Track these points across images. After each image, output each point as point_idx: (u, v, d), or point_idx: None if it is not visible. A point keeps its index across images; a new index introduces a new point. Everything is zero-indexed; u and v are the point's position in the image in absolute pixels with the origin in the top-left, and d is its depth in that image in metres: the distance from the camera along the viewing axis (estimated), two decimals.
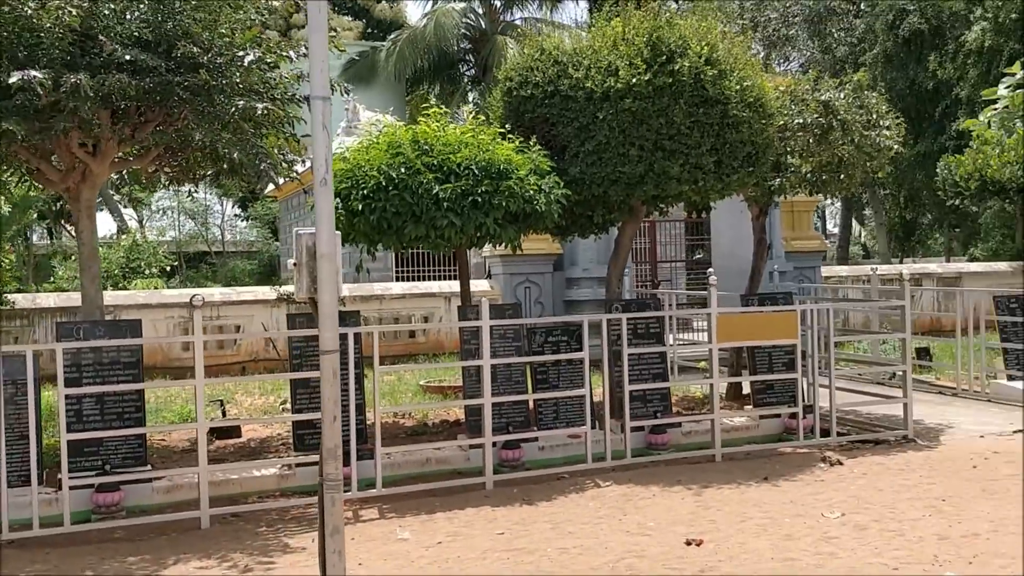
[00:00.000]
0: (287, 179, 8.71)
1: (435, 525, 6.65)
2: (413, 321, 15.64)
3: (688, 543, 6.03)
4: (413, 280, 18.45)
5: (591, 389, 8.28)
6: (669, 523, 6.54)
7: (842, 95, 10.13)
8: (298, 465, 7.61)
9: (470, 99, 30.68)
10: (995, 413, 10.36)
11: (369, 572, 5.58)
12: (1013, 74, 14.55)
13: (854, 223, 38.41)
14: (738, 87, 8.54)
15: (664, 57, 8.36)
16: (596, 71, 8.46)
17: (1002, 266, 21.22)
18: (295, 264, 3.55)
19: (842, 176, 10.25)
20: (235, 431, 9.18)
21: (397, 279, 18.37)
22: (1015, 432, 9.32)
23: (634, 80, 8.24)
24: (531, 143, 8.47)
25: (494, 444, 7.84)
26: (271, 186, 17.72)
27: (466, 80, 31.78)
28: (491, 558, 5.86)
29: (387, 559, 5.89)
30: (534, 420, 8.48)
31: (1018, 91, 14.13)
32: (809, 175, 10.20)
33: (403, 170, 7.68)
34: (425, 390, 11.80)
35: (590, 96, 8.45)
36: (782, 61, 30.88)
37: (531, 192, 7.94)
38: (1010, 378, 11.43)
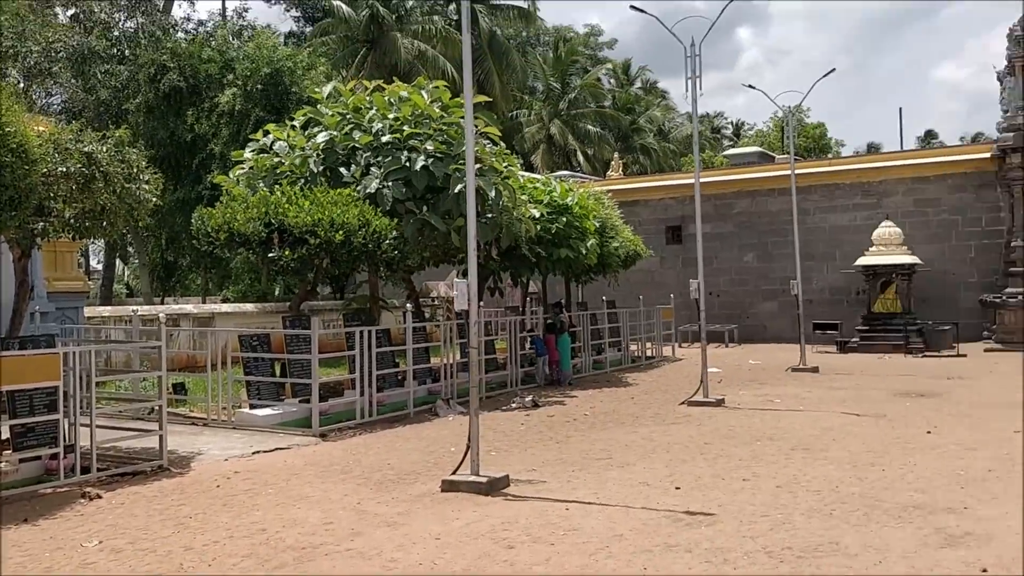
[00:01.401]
0: None
1: None
2: None
3: None
4: None
5: None
6: None
7: (104, 148, 10.70)
8: None
9: None
10: (238, 438, 11.93)
11: None
12: (257, 139, 16.47)
13: (118, 262, 38.58)
14: (1, 132, 8.58)
15: None
16: None
17: (249, 307, 23.88)
18: None
19: (105, 223, 10.81)
20: None
21: None
22: (254, 453, 10.93)
23: None
24: None
25: None
26: None
27: None
28: None
29: None
30: None
31: (261, 155, 16.03)
32: (73, 220, 10.53)
33: None
34: None
35: None
36: (44, 96, 29.78)
37: None
38: (252, 407, 13.21)
